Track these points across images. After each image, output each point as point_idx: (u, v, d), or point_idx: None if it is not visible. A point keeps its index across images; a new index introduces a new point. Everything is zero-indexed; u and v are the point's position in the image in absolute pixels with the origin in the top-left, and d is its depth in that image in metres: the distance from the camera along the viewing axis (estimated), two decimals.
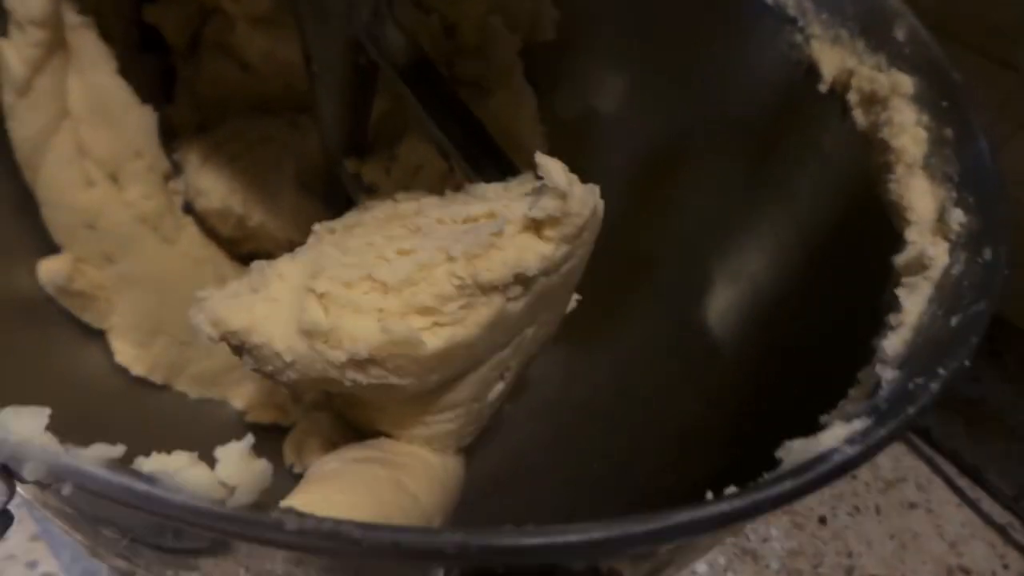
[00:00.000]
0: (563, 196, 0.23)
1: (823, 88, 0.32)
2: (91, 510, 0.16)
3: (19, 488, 0.18)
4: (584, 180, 0.25)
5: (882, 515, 0.43)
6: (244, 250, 0.36)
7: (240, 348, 0.24)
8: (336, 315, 0.22)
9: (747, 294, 0.37)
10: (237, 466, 0.14)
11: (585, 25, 0.40)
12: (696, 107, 0.39)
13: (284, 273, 0.24)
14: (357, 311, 0.22)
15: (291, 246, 0.36)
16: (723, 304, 0.38)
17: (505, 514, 0.37)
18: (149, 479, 0.13)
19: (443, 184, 0.33)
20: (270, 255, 0.37)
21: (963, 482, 0.44)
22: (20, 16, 0.27)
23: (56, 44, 0.28)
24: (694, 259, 0.40)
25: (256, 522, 0.13)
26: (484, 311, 0.23)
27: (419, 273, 0.23)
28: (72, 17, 0.29)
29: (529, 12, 0.38)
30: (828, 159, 0.33)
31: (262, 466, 0.14)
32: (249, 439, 0.14)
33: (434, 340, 0.23)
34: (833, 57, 0.32)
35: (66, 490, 0.13)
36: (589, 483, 0.38)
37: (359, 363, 0.22)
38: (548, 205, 0.23)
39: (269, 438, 0.38)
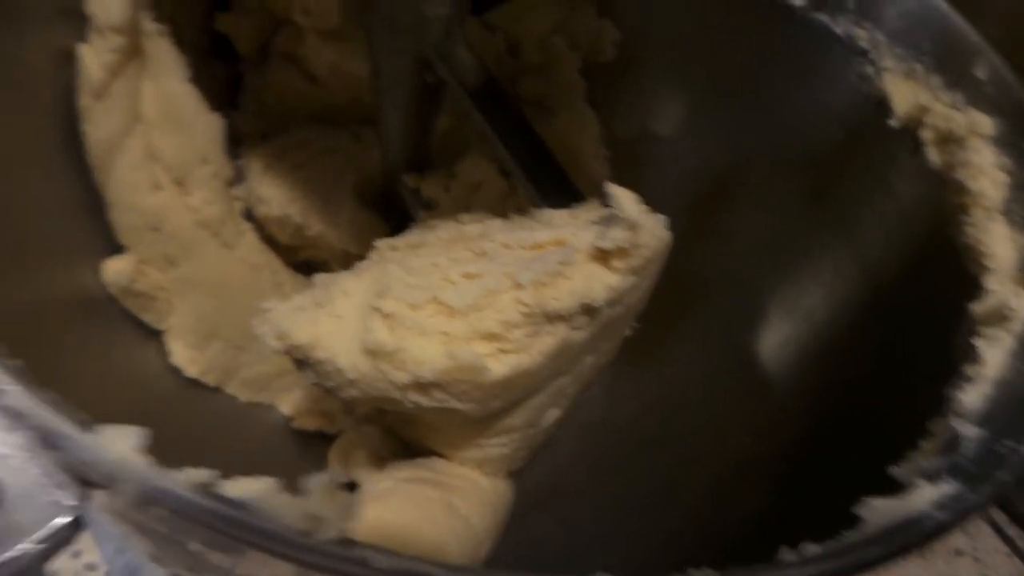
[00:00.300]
0: (634, 227, 0.23)
1: (894, 123, 0.32)
2: (171, 527, 0.17)
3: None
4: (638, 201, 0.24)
5: (927, 560, 0.42)
6: (300, 258, 0.36)
7: (303, 362, 0.24)
8: (401, 336, 0.22)
9: (803, 328, 0.37)
10: (325, 499, 0.14)
11: (646, 47, 0.40)
12: (756, 133, 0.38)
13: (349, 290, 0.24)
14: (422, 333, 0.22)
15: (347, 256, 0.36)
16: (777, 336, 0.38)
17: (547, 535, 0.36)
18: (240, 506, 0.13)
19: (503, 203, 0.33)
20: (325, 263, 0.37)
21: (1013, 531, 0.43)
22: (101, 22, 0.28)
23: (133, 50, 0.29)
24: (748, 288, 0.39)
25: (343, 557, 0.13)
26: (549, 340, 0.23)
27: (485, 298, 0.23)
28: (149, 24, 0.29)
29: (591, 32, 0.37)
30: (896, 195, 0.32)
31: (348, 500, 0.14)
32: (334, 472, 0.14)
33: (499, 367, 0.22)
34: (906, 92, 0.31)
35: (158, 512, 0.13)
36: (634, 507, 0.37)
37: (423, 386, 0.22)
38: (618, 236, 0.23)
39: (314, 444, 0.38)
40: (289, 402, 0.37)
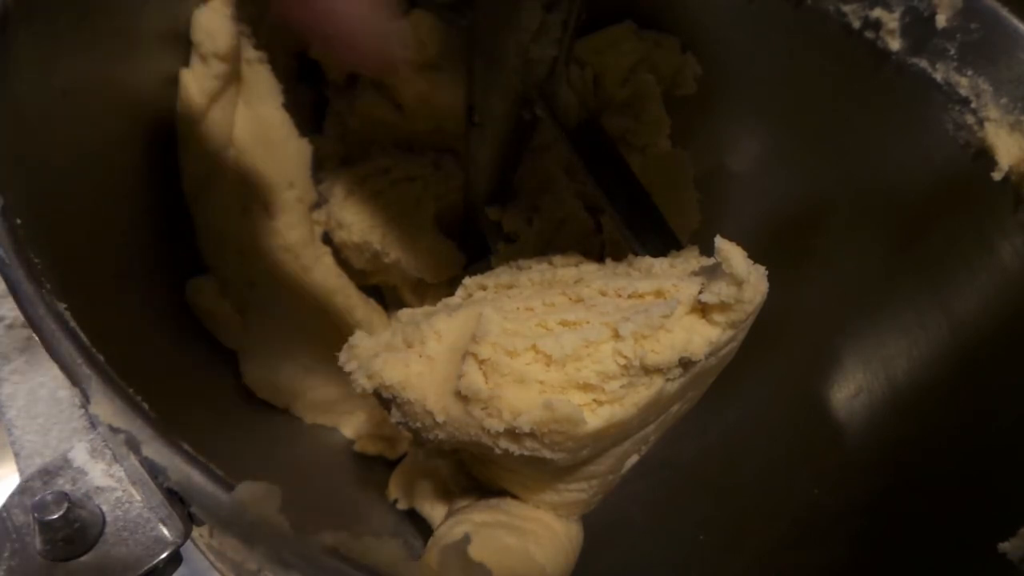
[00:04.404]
0: (740, 283, 0.22)
1: (996, 176, 0.30)
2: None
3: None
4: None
5: None
6: (370, 282, 0.37)
7: (390, 402, 0.24)
8: (496, 383, 0.22)
9: (880, 380, 0.35)
10: (461, 570, 0.13)
11: (727, 82, 0.39)
12: (838, 177, 0.37)
13: (441, 331, 0.24)
14: (519, 381, 0.22)
15: (418, 284, 0.36)
16: (851, 386, 0.37)
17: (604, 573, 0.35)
18: (373, 572, 0.13)
19: (586, 240, 0.32)
20: (395, 288, 0.37)
21: None
22: (206, 49, 0.28)
23: (233, 76, 0.29)
24: (821, 333, 0.38)
25: None
26: (644, 392, 0.23)
27: (584, 348, 0.22)
28: (250, 51, 0.29)
29: (673, 66, 0.37)
30: (995, 252, 0.31)
31: (483, 571, 0.14)
32: (468, 539, 0.14)
33: (594, 419, 0.22)
34: (1011, 144, 0.30)
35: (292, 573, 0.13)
36: (694, 552, 0.37)
37: (516, 435, 0.22)
38: (723, 291, 0.22)
39: (374, 468, 0.38)
40: (351, 425, 0.37)
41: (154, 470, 0.14)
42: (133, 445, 0.14)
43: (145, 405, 0.15)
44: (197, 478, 0.14)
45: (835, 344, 0.37)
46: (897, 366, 0.35)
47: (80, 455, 0.19)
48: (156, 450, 0.14)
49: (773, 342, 0.39)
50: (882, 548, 0.31)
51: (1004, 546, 0.22)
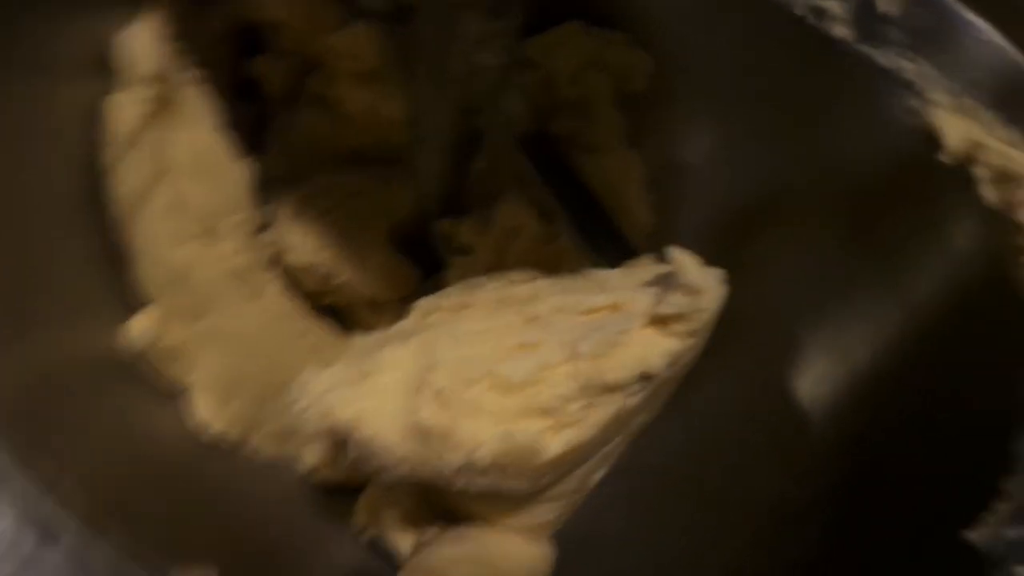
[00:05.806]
0: (696, 292, 0.22)
1: (945, 159, 0.30)
2: None
3: None
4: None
5: None
6: (323, 303, 0.35)
7: (344, 441, 0.23)
8: (453, 416, 0.21)
9: (841, 367, 0.36)
10: None
11: (678, 76, 0.39)
12: (792, 166, 0.37)
13: (395, 361, 0.23)
14: (476, 411, 0.21)
15: (372, 302, 0.35)
16: (813, 375, 0.37)
17: None
18: None
19: (541, 249, 0.32)
20: (348, 308, 0.36)
21: None
22: (132, 74, 0.26)
23: (163, 100, 0.28)
24: (782, 324, 0.38)
25: None
26: (604, 411, 0.22)
27: (542, 372, 0.21)
28: (181, 73, 0.28)
29: (624, 63, 0.36)
30: (946, 234, 0.31)
31: None
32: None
33: (554, 444, 0.21)
34: (958, 127, 0.30)
35: None
36: (675, 558, 0.36)
37: (475, 467, 0.21)
38: (679, 302, 0.22)
39: (337, 499, 0.37)
40: (312, 453, 0.36)
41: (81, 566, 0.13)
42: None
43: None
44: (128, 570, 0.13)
45: (796, 335, 0.37)
46: (858, 353, 0.35)
47: None
48: (79, 540, 0.13)
49: (735, 337, 0.39)
50: (853, 536, 0.31)
51: (970, 534, 0.23)
